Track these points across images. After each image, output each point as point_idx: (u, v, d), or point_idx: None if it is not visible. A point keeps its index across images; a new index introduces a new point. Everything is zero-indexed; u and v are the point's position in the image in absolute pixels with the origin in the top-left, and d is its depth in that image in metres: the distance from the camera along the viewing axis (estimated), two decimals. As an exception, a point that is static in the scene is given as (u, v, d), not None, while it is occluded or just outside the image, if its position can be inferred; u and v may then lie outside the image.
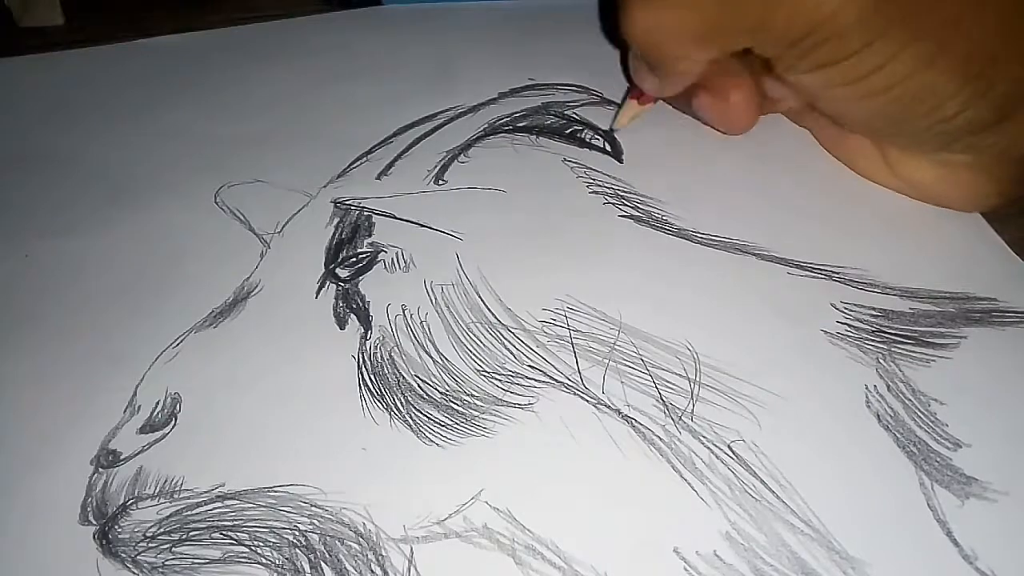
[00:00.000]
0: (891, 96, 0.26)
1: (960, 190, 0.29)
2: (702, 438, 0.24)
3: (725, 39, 0.27)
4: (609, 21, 0.40)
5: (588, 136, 0.34)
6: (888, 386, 0.25)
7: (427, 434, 0.25)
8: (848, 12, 0.24)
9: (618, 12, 0.28)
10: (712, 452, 0.24)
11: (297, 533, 0.23)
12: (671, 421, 0.25)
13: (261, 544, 0.23)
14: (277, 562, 0.22)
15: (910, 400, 0.25)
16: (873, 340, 0.26)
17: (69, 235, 0.31)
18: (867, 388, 0.25)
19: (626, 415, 0.25)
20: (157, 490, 0.24)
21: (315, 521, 0.23)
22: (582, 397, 0.25)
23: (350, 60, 0.38)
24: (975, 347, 0.26)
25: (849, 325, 0.27)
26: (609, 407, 0.25)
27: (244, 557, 0.22)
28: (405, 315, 0.28)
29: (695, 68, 0.29)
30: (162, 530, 0.23)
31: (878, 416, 0.25)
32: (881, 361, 0.26)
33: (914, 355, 0.26)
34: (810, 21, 0.25)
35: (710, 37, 0.27)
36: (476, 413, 0.25)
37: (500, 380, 0.26)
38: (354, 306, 0.28)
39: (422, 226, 0.30)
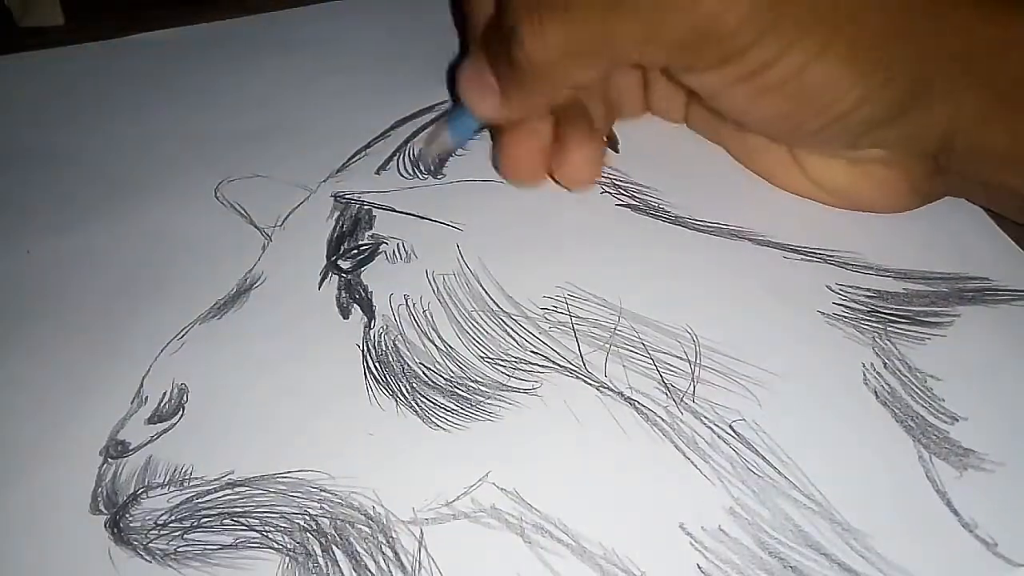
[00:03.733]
0: (787, 92, 0.25)
1: (874, 189, 0.29)
2: (704, 418, 0.25)
3: (612, 54, 0.25)
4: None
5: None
6: (885, 363, 0.26)
7: (433, 419, 0.25)
8: (736, 10, 0.23)
9: (516, 28, 0.25)
10: (714, 432, 0.24)
11: (308, 518, 0.23)
12: (673, 402, 0.25)
13: (272, 529, 0.23)
14: (288, 546, 0.23)
15: (907, 377, 0.25)
16: (869, 320, 0.27)
17: (71, 231, 0.31)
18: (864, 366, 0.26)
19: (629, 397, 0.25)
20: (167, 479, 0.24)
21: (325, 506, 0.23)
22: (585, 381, 0.26)
23: (348, 53, 0.39)
24: (968, 325, 0.27)
25: (845, 306, 0.27)
26: (612, 390, 0.25)
27: (255, 542, 0.23)
28: (408, 304, 0.28)
29: (567, 87, 0.27)
30: (173, 518, 0.23)
31: (875, 392, 0.25)
32: (877, 340, 0.26)
33: (909, 334, 0.27)
34: (698, 23, 0.23)
35: (597, 53, 0.25)
36: (481, 398, 0.25)
37: (504, 366, 0.26)
38: (357, 296, 0.28)
39: (422, 218, 0.31)
